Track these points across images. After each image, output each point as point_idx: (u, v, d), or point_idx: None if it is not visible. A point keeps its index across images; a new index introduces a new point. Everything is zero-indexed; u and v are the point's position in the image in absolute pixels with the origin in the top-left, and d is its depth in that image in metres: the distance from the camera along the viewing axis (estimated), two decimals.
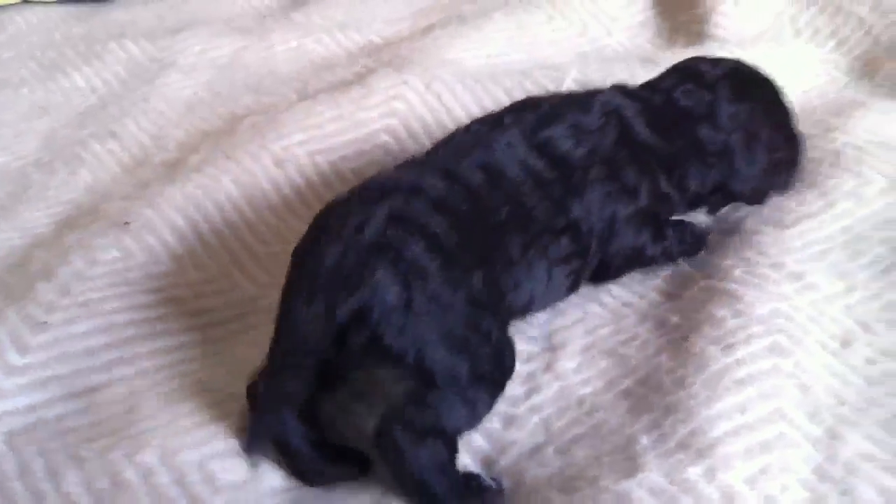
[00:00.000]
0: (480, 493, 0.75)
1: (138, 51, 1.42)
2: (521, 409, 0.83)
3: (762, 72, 1.03)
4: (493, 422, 0.82)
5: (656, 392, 0.82)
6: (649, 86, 1.00)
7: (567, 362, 0.87)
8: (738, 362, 0.82)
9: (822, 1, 1.36)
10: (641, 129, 0.94)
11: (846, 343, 0.85)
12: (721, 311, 0.88)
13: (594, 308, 0.94)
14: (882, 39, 1.29)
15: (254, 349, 0.84)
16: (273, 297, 0.80)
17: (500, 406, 0.81)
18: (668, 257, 0.98)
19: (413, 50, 1.32)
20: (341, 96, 1.18)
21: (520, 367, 0.85)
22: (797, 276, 0.91)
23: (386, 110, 1.17)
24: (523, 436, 0.81)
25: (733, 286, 0.91)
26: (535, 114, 0.92)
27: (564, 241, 0.88)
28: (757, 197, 1.01)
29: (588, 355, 0.88)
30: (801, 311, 0.87)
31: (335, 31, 1.45)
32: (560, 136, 0.90)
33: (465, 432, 0.78)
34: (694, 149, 0.96)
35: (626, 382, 0.84)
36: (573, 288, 0.92)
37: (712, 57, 1.06)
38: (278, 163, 1.11)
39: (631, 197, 0.92)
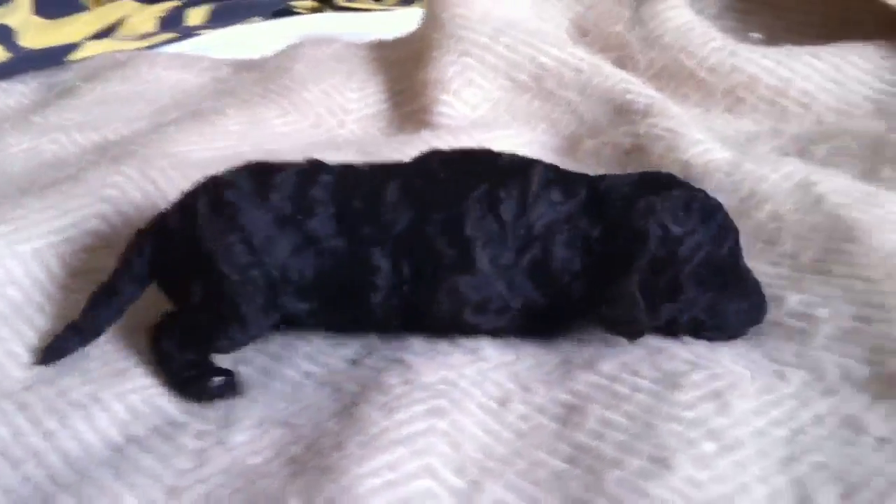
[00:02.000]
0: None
1: None
2: (187, 480, 0.84)
3: None
4: (156, 492, 0.83)
5: (317, 456, 0.84)
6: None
7: (239, 436, 0.89)
8: (397, 424, 0.85)
9: (536, 88, 1.44)
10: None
11: (503, 402, 0.90)
12: (392, 380, 0.91)
13: (275, 384, 0.96)
14: (586, 118, 1.38)
15: None
16: None
17: (166, 478, 0.84)
18: None
19: (140, 145, 1.34)
20: (50, 189, 1.18)
21: (191, 444, 0.87)
22: (472, 350, 0.97)
23: (98, 197, 1.18)
24: None
25: (409, 357, 0.95)
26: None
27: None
28: None
29: (262, 428, 0.89)
30: (465, 378, 0.92)
31: (72, 131, 1.45)
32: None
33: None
34: None
35: (294, 450, 0.86)
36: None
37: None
38: None
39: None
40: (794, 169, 1.16)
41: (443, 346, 0.97)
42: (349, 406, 0.90)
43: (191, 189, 1.02)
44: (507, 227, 0.93)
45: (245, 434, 0.89)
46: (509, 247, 0.93)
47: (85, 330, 0.99)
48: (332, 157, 1.23)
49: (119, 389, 0.94)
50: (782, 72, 1.41)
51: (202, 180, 1.02)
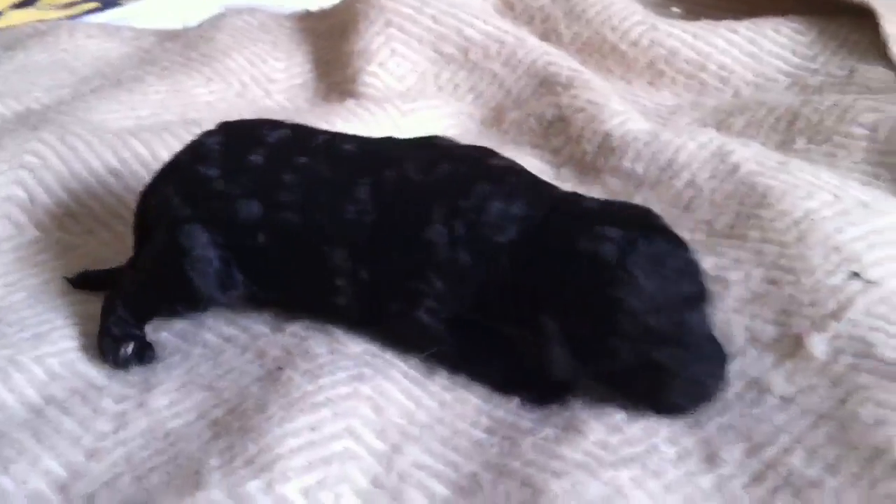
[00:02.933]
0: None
1: None
2: (107, 442, 0.84)
3: None
4: (76, 454, 0.83)
5: (239, 418, 0.84)
6: None
7: (161, 399, 0.89)
8: (320, 388, 0.86)
9: (462, 59, 1.45)
10: None
11: (428, 373, 0.91)
12: (318, 349, 0.92)
13: (196, 349, 0.96)
14: (511, 90, 1.40)
15: None
16: None
17: (86, 440, 0.84)
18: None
19: (60, 113, 1.32)
20: None
21: (111, 407, 0.88)
22: None
23: (17, 163, 1.16)
24: (103, 466, 0.82)
25: (332, 328, 0.96)
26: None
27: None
28: None
29: (184, 391, 0.90)
30: (391, 350, 0.93)
31: None
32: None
33: None
34: None
35: (216, 413, 0.87)
36: None
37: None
38: None
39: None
40: (711, 138, 1.19)
41: None
42: (273, 371, 0.90)
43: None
44: (460, 241, 0.86)
45: (166, 397, 0.89)
46: (461, 260, 0.86)
47: None
48: None
49: (37, 353, 0.93)
50: (701, 46, 1.44)
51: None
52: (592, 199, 0.89)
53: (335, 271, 0.91)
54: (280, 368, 0.90)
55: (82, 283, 1.04)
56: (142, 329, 0.97)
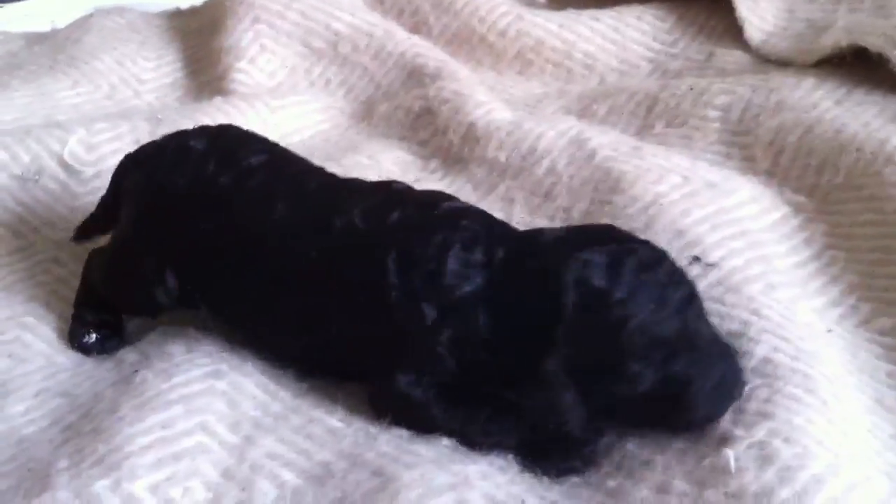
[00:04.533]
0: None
1: None
2: None
3: None
4: None
5: (91, 422, 0.85)
6: None
7: (17, 406, 0.89)
8: (173, 386, 0.87)
9: (332, 54, 1.46)
10: None
11: (284, 366, 0.92)
12: (175, 349, 0.93)
13: (59, 357, 0.96)
14: (381, 83, 1.42)
15: None
16: None
17: None
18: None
19: None
20: None
21: None
22: None
23: None
24: None
25: (193, 330, 0.96)
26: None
27: None
28: None
29: (40, 398, 0.90)
30: (247, 347, 0.94)
31: None
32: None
33: None
34: None
35: (70, 418, 0.87)
36: None
37: None
38: None
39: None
40: (570, 126, 1.22)
41: None
42: (129, 375, 0.91)
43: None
44: (420, 291, 0.80)
45: (22, 404, 0.89)
46: (424, 310, 0.80)
47: None
48: (124, 127, 1.25)
49: None
50: (566, 34, 1.48)
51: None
52: (552, 230, 0.86)
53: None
54: (136, 371, 0.91)
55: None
56: (117, 315, 0.98)
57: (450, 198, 0.89)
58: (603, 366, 0.76)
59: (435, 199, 0.88)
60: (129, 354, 0.95)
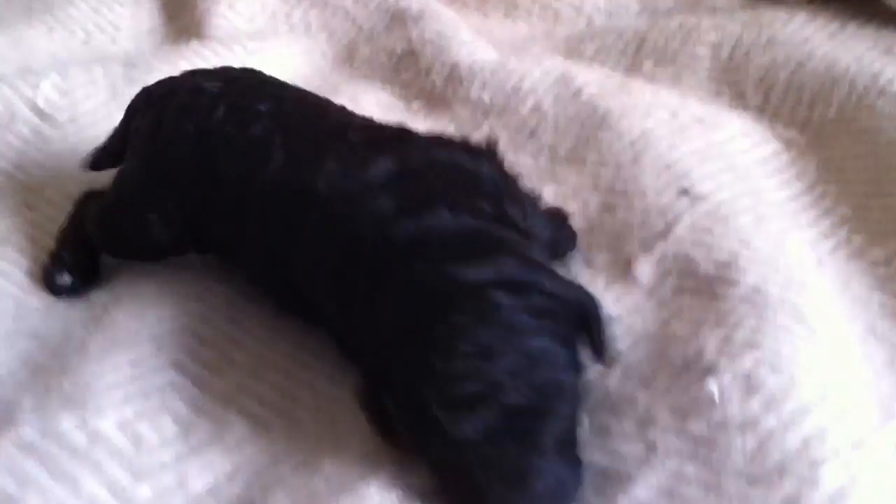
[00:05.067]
0: None
1: None
2: None
3: None
4: None
5: (59, 361, 0.83)
6: None
7: None
8: (144, 326, 0.86)
9: None
10: None
11: (254, 297, 0.90)
12: (144, 289, 0.92)
13: (31, 300, 0.94)
14: (363, 26, 1.38)
15: None
16: None
17: None
18: None
19: None
20: None
21: None
22: None
23: None
24: None
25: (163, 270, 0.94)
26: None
27: None
28: None
29: (9, 341, 0.88)
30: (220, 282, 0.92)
31: None
32: None
33: None
34: None
35: (39, 358, 0.85)
36: None
37: None
38: None
39: None
40: (555, 64, 1.19)
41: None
42: (100, 315, 0.89)
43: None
44: None
45: None
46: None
47: None
48: (98, 71, 1.22)
49: None
50: None
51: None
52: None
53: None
54: (107, 311, 0.89)
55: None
56: (95, 259, 0.95)
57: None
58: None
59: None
60: (100, 295, 0.92)
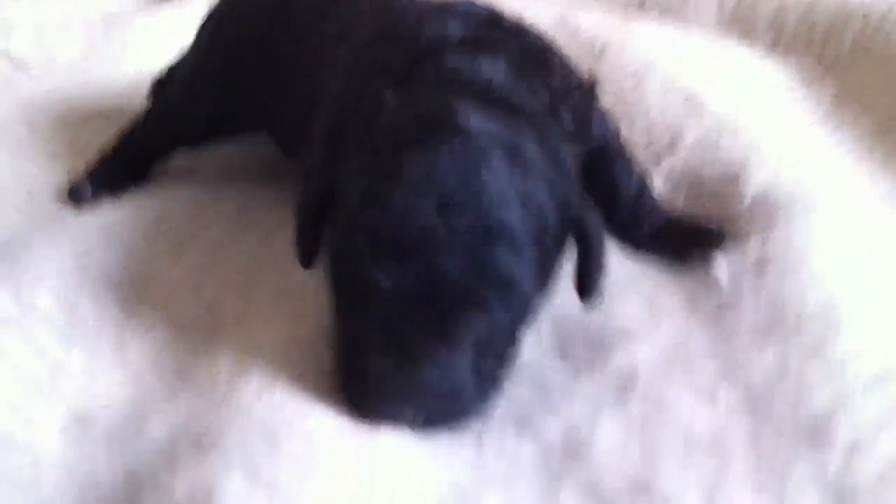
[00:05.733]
0: None
1: None
2: None
3: None
4: None
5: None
6: None
7: None
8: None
9: None
10: None
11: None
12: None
13: None
14: None
15: None
16: None
17: None
18: None
19: None
20: None
21: None
22: None
23: None
24: None
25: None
26: None
27: None
28: None
29: None
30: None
31: None
32: None
33: None
34: None
35: None
36: None
37: None
38: None
39: None
40: (555, 7, 1.15)
41: None
42: (53, 213, 0.84)
43: None
44: None
45: None
46: None
47: None
48: (76, 27, 1.19)
49: None
50: None
51: None
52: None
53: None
54: (61, 210, 0.83)
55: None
56: (130, 177, 0.89)
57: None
58: None
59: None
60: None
